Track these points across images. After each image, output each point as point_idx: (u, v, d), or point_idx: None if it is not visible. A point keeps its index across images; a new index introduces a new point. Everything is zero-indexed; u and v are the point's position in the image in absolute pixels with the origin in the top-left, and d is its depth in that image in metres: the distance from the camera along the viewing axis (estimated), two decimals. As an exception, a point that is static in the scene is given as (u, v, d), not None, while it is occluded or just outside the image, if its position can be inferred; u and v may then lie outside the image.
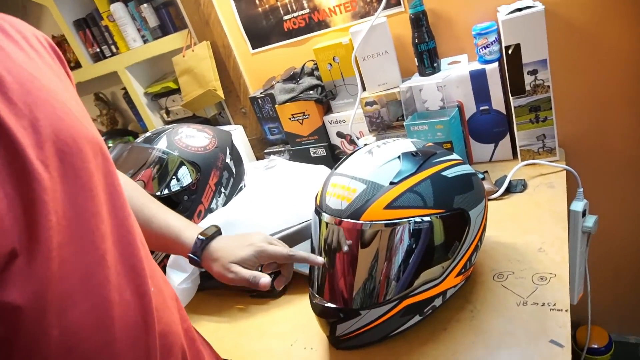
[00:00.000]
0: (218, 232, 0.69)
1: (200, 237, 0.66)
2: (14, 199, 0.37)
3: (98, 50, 1.52)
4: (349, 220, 0.57)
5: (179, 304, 0.57)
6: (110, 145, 1.67)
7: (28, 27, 0.51)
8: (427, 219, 0.56)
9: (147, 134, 0.93)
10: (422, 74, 0.98)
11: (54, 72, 0.49)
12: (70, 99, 0.47)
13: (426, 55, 0.95)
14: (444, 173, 0.59)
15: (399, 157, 0.60)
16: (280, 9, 1.12)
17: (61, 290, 0.39)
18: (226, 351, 0.76)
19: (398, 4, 0.99)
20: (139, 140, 0.91)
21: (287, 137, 1.20)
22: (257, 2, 1.13)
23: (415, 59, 0.97)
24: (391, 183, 0.57)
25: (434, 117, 0.93)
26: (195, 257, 0.66)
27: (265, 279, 0.61)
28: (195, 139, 0.91)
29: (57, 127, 0.42)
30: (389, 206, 0.56)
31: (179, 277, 0.84)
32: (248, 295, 0.86)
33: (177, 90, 1.43)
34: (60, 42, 1.66)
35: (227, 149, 0.95)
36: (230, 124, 1.41)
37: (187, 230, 0.68)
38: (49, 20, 1.62)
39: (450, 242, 0.58)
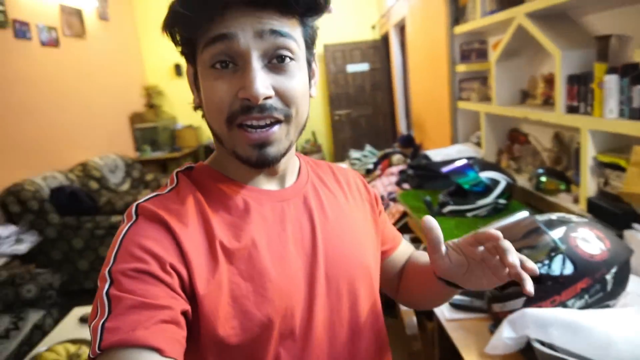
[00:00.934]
0: None
1: None
2: (306, 295, 0.63)
3: (575, 104, 1.66)
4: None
5: None
6: (544, 179, 1.87)
7: (352, 174, 0.80)
8: None
9: (553, 217, 1.07)
10: None
11: (359, 207, 0.75)
12: (363, 231, 0.73)
13: None
14: None
15: None
16: None
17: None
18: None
19: None
20: (542, 218, 1.08)
21: None
22: None
23: None
24: None
25: None
26: None
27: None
28: (588, 244, 1.00)
29: (344, 252, 0.67)
30: None
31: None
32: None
33: (623, 170, 1.43)
34: (550, 80, 1.91)
35: (615, 268, 0.98)
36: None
37: None
38: (539, 63, 1.90)
39: None
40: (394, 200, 2.77)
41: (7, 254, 2.89)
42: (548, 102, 1.96)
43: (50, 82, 3.92)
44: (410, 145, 4.01)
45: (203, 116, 0.63)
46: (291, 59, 0.58)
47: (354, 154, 4.61)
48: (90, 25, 4.54)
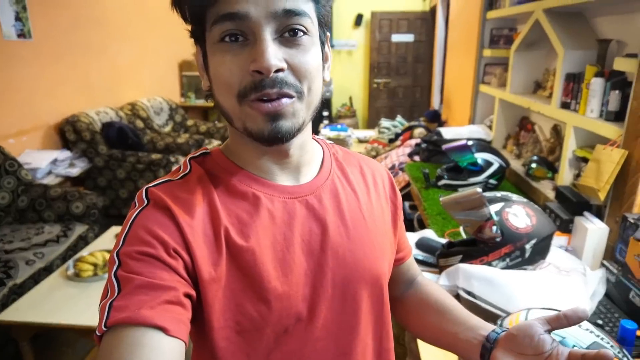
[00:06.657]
0: None
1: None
2: (308, 299, 0.60)
3: (568, 100, 1.80)
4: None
5: None
6: (534, 166, 2.03)
7: (379, 169, 0.74)
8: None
9: (498, 194, 1.28)
10: None
11: (382, 207, 0.70)
12: (382, 234, 0.68)
13: None
14: None
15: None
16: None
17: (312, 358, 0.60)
18: None
19: None
20: (488, 194, 1.28)
21: (623, 269, 1.23)
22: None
23: None
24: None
25: None
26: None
27: None
28: (517, 218, 1.20)
29: (356, 259, 0.63)
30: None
31: None
32: None
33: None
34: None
35: (534, 240, 1.19)
36: (600, 220, 1.47)
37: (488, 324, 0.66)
38: (554, 58, 2.00)
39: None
40: (402, 169, 2.97)
41: (62, 175, 3.34)
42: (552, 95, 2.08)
43: (112, 23, 4.27)
44: (436, 120, 4.14)
45: (211, 99, 0.59)
46: (305, 33, 0.54)
47: (385, 122, 4.76)
48: (151, -28, 4.82)
